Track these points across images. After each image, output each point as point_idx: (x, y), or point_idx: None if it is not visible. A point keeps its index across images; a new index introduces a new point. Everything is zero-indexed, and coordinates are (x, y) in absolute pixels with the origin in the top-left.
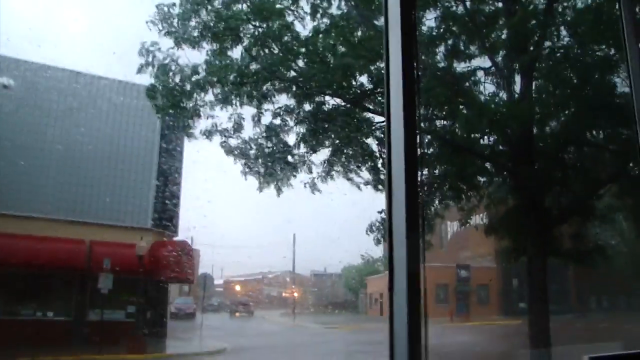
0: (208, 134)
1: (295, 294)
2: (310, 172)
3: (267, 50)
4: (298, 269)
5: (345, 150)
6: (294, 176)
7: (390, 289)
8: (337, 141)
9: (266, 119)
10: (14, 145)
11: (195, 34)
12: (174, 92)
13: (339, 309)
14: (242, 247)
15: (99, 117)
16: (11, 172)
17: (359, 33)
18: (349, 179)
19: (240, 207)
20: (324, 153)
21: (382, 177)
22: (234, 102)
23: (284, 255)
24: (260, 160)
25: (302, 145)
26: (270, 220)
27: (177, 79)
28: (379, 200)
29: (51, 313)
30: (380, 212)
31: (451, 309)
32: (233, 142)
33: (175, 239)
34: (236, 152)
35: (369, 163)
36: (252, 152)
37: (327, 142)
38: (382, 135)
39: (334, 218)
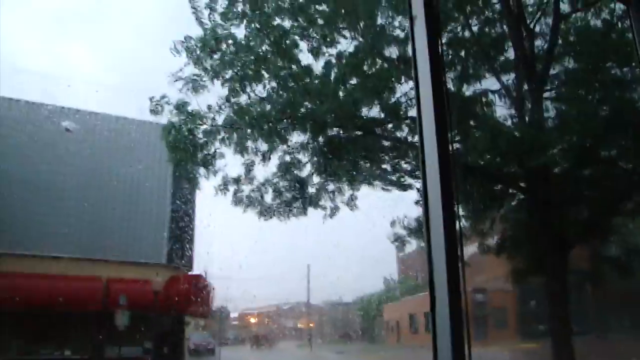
0: (223, 187)
1: (311, 325)
2: (332, 200)
3: (281, 91)
4: (313, 300)
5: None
6: (309, 207)
7: (432, 310)
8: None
9: (274, 159)
10: (33, 186)
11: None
12: (187, 142)
13: (356, 338)
14: (256, 279)
15: (115, 156)
16: (30, 212)
17: (368, 64)
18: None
19: (253, 239)
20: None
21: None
22: (249, 146)
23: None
24: (277, 201)
25: (315, 177)
26: (283, 251)
27: (189, 125)
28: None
29: (69, 352)
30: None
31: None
32: (246, 189)
33: (190, 273)
34: (247, 202)
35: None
36: (268, 195)
37: (340, 173)
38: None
39: (348, 246)
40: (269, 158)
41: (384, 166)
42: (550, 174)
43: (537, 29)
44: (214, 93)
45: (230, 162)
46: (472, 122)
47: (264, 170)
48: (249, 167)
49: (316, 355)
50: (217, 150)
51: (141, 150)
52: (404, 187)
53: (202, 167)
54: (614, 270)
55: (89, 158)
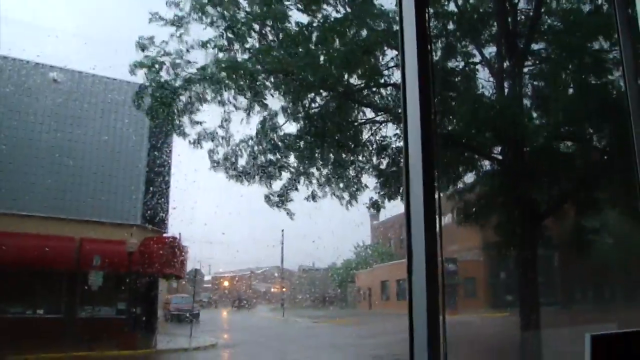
0: (197, 141)
1: (284, 289)
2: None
3: (264, 43)
4: (287, 264)
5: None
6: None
7: (409, 276)
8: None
9: (254, 120)
10: (4, 142)
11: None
12: (164, 89)
13: (328, 304)
14: (231, 243)
15: (88, 115)
16: (2, 168)
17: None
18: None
19: (228, 202)
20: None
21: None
22: (226, 96)
23: (272, 246)
24: (250, 166)
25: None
26: (258, 216)
27: (168, 75)
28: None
29: (41, 311)
30: None
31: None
32: (222, 150)
33: (165, 235)
34: (223, 164)
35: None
36: (242, 159)
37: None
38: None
39: (323, 212)
40: (249, 115)
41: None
42: (525, 148)
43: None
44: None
45: (208, 119)
46: (453, 94)
47: (242, 132)
48: (226, 120)
49: (286, 319)
50: (194, 100)
51: (118, 109)
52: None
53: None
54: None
55: (67, 115)
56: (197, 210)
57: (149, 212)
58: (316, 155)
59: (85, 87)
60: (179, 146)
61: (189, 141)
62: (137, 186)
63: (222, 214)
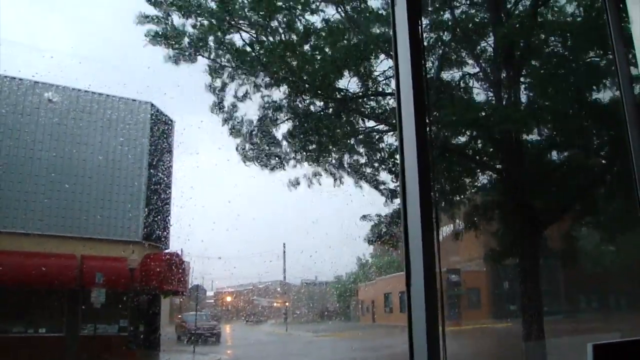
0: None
1: (287, 304)
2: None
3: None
4: (289, 278)
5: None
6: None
7: (407, 287)
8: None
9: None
10: (2, 162)
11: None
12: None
13: (331, 317)
14: (233, 258)
15: (87, 132)
16: (4, 187)
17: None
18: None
19: (230, 218)
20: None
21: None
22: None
23: (271, 261)
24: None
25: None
26: (260, 231)
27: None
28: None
29: (43, 329)
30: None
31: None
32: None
33: (166, 251)
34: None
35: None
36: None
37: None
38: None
39: (325, 226)
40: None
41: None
42: (523, 156)
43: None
44: None
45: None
46: (448, 104)
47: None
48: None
49: (289, 333)
50: None
51: (118, 126)
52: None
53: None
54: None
55: (66, 133)
56: (196, 226)
57: (149, 228)
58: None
59: (83, 106)
60: (178, 162)
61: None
62: (137, 202)
63: (222, 230)
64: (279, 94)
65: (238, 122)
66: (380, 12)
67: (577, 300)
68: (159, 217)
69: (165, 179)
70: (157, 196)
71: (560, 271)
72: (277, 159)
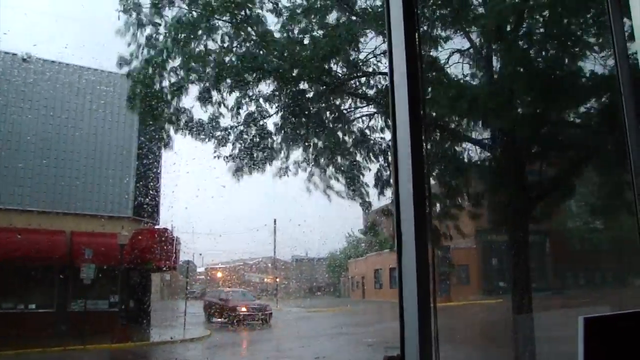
0: (187, 127)
1: (277, 280)
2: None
3: (242, 40)
4: (279, 255)
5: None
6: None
7: (399, 261)
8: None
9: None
10: None
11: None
12: (152, 95)
13: (321, 293)
14: (223, 234)
15: (78, 107)
16: None
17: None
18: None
19: (219, 193)
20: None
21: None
22: (214, 97)
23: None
24: (239, 147)
25: (281, 132)
26: (249, 206)
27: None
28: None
29: (33, 305)
30: None
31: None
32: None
33: (156, 227)
34: (214, 140)
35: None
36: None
37: (303, 131)
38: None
39: (314, 202)
40: (238, 112)
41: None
42: (515, 133)
43: None
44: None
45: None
46: (437, 81)
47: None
48: (214, 116)
49: (279, 309)
50: (182, 105)
51: (107, 100)
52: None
53: (170, 124)
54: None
55: (50, 105)
56: (188, 202)
57: (139, 204)
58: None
59: (71, 80)
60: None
61: (178, 126)
62: (128, 178)
63: (214, 206)
64: (264, 86)
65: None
66: None
67: (565, 276)
68: (149, 192)
69: (156, 152)
70: (147, 172)
71: (550, 247)
72: (267, 151)
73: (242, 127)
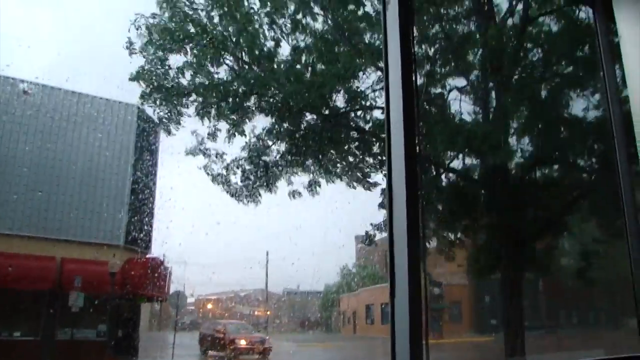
0: (192, 152)
1: (268, 312)
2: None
3: (247, 68)
4: (271, 287)
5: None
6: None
7: (391, 298)
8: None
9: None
10: None
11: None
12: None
13: (312, 328)
14: (215, 265)
15: (72, 133)
16: None
17: (337, 51)
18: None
19: (212, 224)
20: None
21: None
22: (212, 114)
23: (251, 269)
24: (244, 183)
25: (281, 161)
26: (242, 238)
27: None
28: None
29: (18, 333)
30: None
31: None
32: (215, 167)
33: (149, 256)
34: (219, 180)
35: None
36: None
37: (305, 158)
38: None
39: (307, 233)
40: (234, 135)
41: (350, 159)
42: (509, 174)
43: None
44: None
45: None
46: (435, 118)
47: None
48: (211, 133)
49: (271, 344)
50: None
51: (104, 128)
52: (368, 184)
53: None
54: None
55: (46, 132)
56: (175, 229)
57: (131, 232)
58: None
59: (68, 106)
60: (165, 168)
61: (185, 150)
62: (121, 206)
63: (208, 238)
64: (266, 119)
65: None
66: (371, 16)
67: (557, 316)
68: (142, 221)
69: (150, 183)
70: (140, 200)
71: (543, 286)
72: (267, 181)
73: (243, 162)
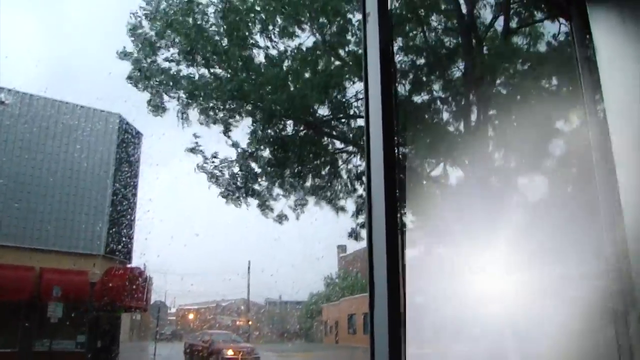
0: (191, 150)
1: (250, 322)
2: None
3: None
4: (253, 297)
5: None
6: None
7: (370, 310)
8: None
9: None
10: None
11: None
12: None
13: (294, 338)
14: (196, 274)
15: (52, 142)
16: None
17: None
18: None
19: (189, 233)
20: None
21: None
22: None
23: (231, 280)
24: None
25: (266, 169)
26: (222, 250)
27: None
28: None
29: None
30: None
31: None
32: (207, 167)
33: (129, 265)
34: (213, 179)
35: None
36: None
37: (288, 167)
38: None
39: (289, 243)
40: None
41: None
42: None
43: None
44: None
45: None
46: (418, 127)
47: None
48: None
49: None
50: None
51: (84, 137)
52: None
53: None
54: None
55: (30, 142)
56: (153, 240)
57: (112, 242)
58: (286, 180)
59: (48, 114)
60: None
61: (185, 148)
62: (101, 215)
63: (189, 246)
64: (248, 122)
65: (219, 164)
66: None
67: None
68: (122, 230)
69: (131, 192)
70: (121, 209)
71: None
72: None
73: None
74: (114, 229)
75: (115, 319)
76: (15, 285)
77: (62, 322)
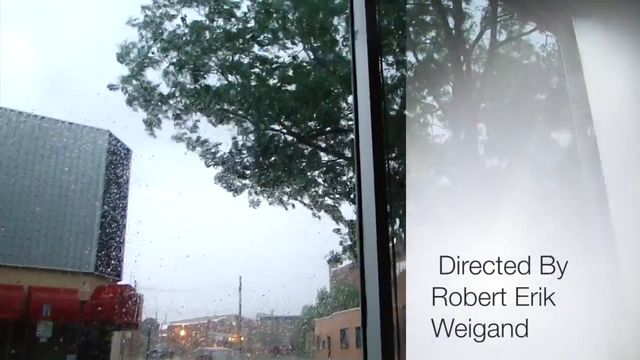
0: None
1: (242, 338)
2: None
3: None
4: (245, 313)
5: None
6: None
7: (363, 325)
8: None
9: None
10: None
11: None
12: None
13: (286, 352)
14: (187, 291)
15: (41, 158)
16: None
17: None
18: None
19: (180, 253)
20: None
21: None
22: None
23: (221, 300)
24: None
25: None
26: (214, 262)
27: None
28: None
29: None
30: None
31: None
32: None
33: (119, 283)
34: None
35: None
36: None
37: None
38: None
39: (280, 260)
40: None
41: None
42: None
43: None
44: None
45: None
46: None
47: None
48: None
49: None
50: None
51: (73, 154)
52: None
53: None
54: None
55: (18, 159)
56: (154, 258)
57: (102, 260)
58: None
59: (37, 132)
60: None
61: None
62: (91, 233)
63: (180, 262)
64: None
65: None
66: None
67: None
68: (112, 248)
69: (121, 210)
70: (111, 227)
71: None
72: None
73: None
74: (104, 247)
75: (106, 338)
76: (3, 305)
77: (51, 342)
